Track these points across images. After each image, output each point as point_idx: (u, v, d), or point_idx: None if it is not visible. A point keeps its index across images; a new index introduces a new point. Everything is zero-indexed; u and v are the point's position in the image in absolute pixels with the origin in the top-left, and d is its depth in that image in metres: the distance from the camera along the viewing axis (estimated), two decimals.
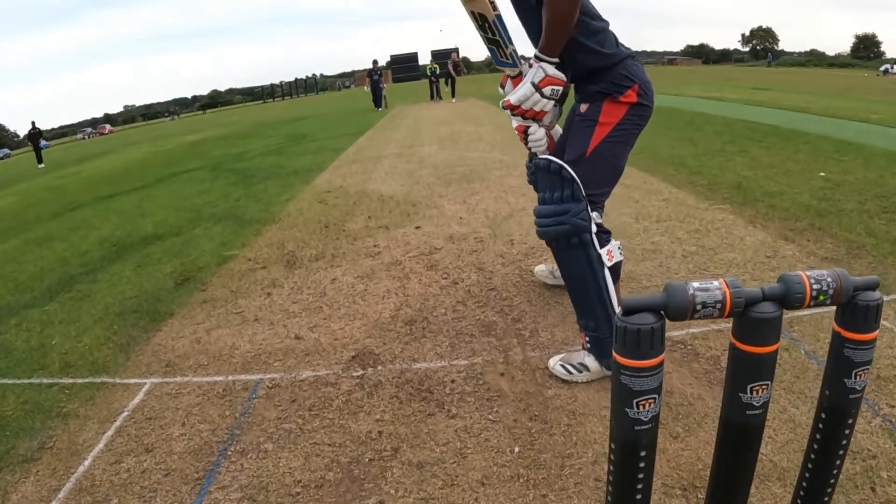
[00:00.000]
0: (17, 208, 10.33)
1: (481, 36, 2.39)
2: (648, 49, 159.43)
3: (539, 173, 2.21)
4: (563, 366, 2.31)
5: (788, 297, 0.86)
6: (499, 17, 2.28)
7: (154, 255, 4.83)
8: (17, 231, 7.47)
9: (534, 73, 2.04)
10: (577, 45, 2.09)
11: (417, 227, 4.55)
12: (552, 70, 2.03)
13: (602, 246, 2.17)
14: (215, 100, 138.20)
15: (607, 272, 2.17)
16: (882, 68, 26.85)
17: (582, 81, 2.24)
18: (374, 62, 23.40)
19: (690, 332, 2.56)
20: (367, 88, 23.42)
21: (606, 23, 2.19)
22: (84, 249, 5.51)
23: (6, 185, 17.14)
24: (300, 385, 2.48)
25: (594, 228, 2.14)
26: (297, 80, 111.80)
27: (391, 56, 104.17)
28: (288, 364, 2.67)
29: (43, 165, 22.63)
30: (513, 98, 2.08)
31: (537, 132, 2.25)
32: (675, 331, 2.58)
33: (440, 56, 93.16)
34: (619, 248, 2.32)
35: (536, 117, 2.15)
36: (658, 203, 4.68)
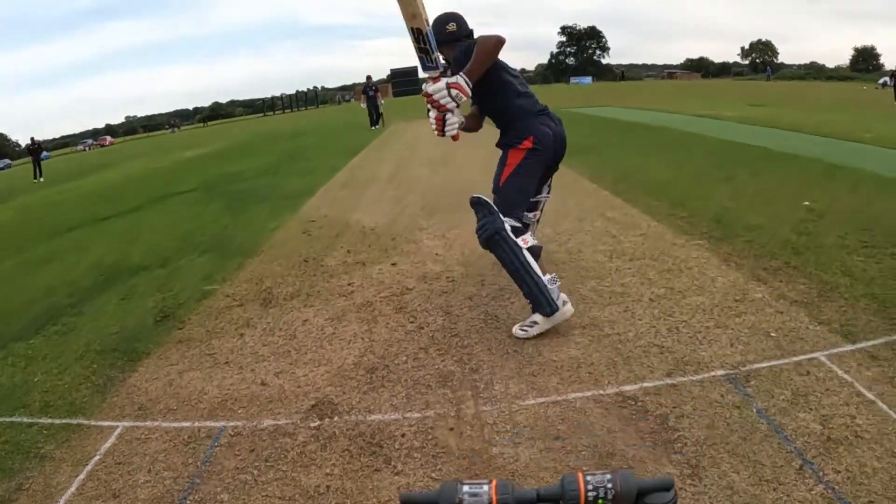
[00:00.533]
0: (15, 225, 10.53)
1: (415, 46, 3.01)
2: (649, 62, 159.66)
3: (472, 205, 3.18)
4: (520, 328, 3.21)
5: (564, 500, 0.81)
6: (430, 31, 2.95)
7: (139, 287, 4.95)
8: (13, 251, 7.63)
9: (451, 78, 2.94)
10: (498, 103, 3.33)
11: (393, 264, 4.64)
12: (463, 82, 2.92)
13: (517, 236, 3.10)
14: (216, 112, 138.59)
15: (527, 252, 3.09)
16: (881, 81, 26.87)
17: (501, 133, 3.38)
18: (368, 77, 22.84)
19: (643, 387, 2.63)
20: (363, 104, 22.78)
21: (526, 94, 3.33)
22: (73, 277, 5.64)
23: (7, 197, 17.33)
24: (260, 434, 2.58)
25: (508, 228, 3.07)
26: (297, 92, 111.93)
27: (391, 70, 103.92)
28: (251, 412, 2.76)
29: (42, 179, 22.81)
30: (429, 89, 2.98)
31: (452, 118, 3.08)
32: (627, 385, 2.65)
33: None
34: (531, 236, 3.34)
35: (441, 109, 3.00)
36: (635, 238, 4.76)
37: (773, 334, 2.95)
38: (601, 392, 2.60)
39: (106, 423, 2.84)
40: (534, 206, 3.69)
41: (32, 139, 24.65)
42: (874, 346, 2.80)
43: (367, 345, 3.28)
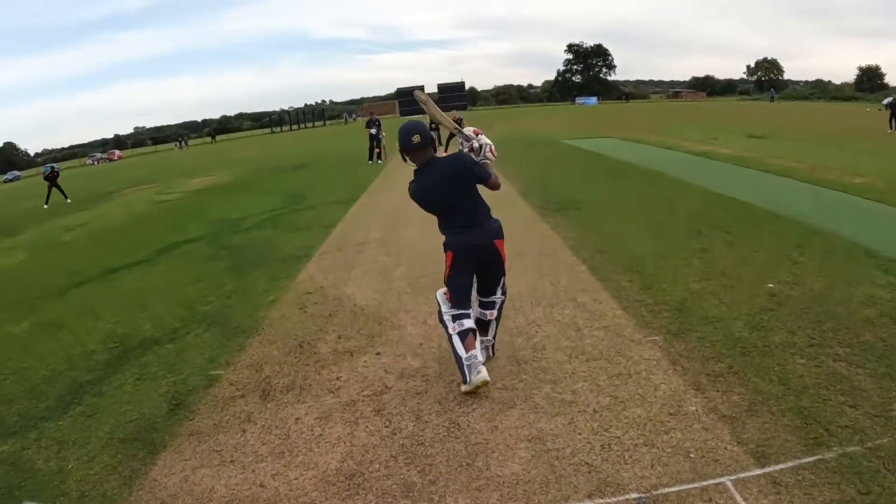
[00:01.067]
0: (26, 272, 11.09)
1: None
2: (656, 79, 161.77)
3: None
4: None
5: None
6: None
7: (151, 367, 5.51)
8: (28, 309, 8.19)
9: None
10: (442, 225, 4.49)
11: (378, 354, 5.24)
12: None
13: (453, 322, 4.36)
14: (224, 125, 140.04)
15: (455, 337, 4.32)
16: (885, 102, 27.24)
17: None
18: (371, 113, 23.78)
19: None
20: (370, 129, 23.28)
21: (445, 219, 4.44)
22: (90, 349, 6.21)
23: (15, 229, 17.92)
24: None
25: (448, 316, 4.40)
26: (305, 105, 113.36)
27: (397, 89, 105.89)
28: None
29: (69, 201, 23.83)
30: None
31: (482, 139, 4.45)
32: (633, 493, 3.19)
33: (447, 90, 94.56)
34: (468, 317, 4.41)
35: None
36: (596, 333, 5.20)
37: (692, 455, 3.41)
38: None
39: None
40: (489, 306, 4.66)
41: (52, 167, 25.25)
42: (780, 470, 3.20)
43: (348, 449, 3.86)
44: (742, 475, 3.22)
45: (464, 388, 4.33)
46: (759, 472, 3.22)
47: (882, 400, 3.81)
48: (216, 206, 16.31)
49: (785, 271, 6.39)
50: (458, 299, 4.41)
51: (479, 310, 4.67)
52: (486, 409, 4.13)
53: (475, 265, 4.43)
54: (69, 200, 24.05)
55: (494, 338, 4.87)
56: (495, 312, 4.67)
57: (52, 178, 24.45)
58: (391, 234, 9.99)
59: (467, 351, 4.23)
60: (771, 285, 5.98)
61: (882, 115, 27.85)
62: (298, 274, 8.07)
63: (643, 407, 4.01)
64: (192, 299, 7.46)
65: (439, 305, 4.52)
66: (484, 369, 4.20)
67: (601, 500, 3.17)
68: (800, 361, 4.42)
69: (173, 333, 6.32)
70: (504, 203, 11.36)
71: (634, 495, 3.17)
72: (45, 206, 23.27)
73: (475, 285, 4.58)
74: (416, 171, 4.40)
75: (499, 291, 4.62)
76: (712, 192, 11.43)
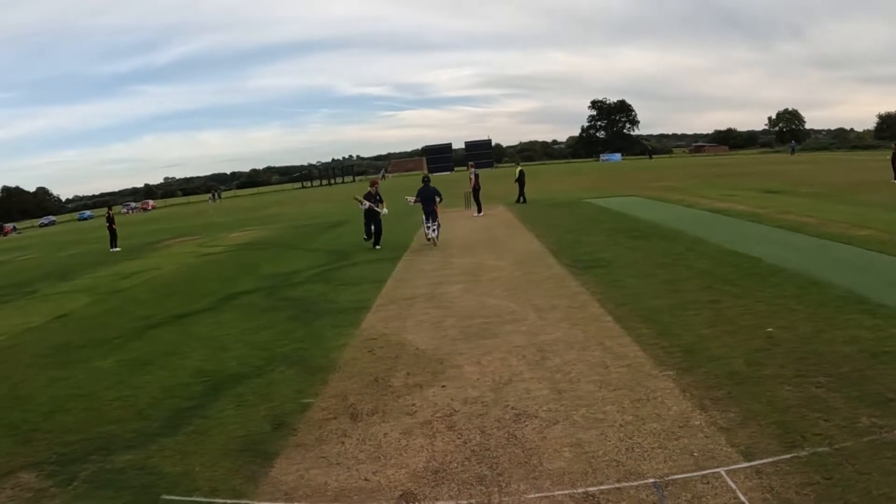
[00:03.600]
0: (98, 315, 12.36)
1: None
2: (679, 132, 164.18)
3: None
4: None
5: None
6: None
7: (247, 396, 6.58)
8: (110, 347, 9.39)
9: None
10: None
11: (443, 386, 6.31)
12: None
13: (424, 224, 16.39)
14: (254, 178, 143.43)
15: (423, 228, 16.23)
16: None
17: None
18: (374, 183, 18.47)
19: (601, 489, 4.24)
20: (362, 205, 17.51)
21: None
22: (184, 381, 7.30)
23: (69, 274, 19.62)
24: None
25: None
26: (333, 160, 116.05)
27: (424, 147, 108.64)
28: (361, 498, 4.41)
29: (118, 249, 25.68)
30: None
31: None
32: (592, 486, 4.29)
33: (474, 147, 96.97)
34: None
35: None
36: (621, 370, 6.26)
37: (695, 454, 4.47)
38: (573, 490, 4.21)
39: None
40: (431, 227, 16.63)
41: (110, 214, 27.76)
42: (763, 463, 4.23)
43: (430, 454, 4.92)
44: (733, 467, 4.26)
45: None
46: (746, 464, 4.24)
47: (851, 415, 4.82)
48: (263, 260, 17.66)
49: (782, 318, 7.42)
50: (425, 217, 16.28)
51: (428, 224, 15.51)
52: (535, 425, 5.20)
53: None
54: (118, 249, 25.86)
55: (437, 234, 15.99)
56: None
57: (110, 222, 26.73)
58: (435, 290, 11.11)
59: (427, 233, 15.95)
60: (770, 329, 7.01)
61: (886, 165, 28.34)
62: (361, 323, 9.21)
63: (658, 422, 5.08)
64: (267, 343, 8.60)
65: None
66: (430, 232, 15.20)
67: (626, 483, 4.21)
68: (786, 388, 5.45)
69: (259, 370, 7.41)
70: (536, 262, 12.69)
71: (651, 480, 4.22)
72: (116, 250, 25.73)
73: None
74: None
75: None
76: (725, 248, 12.50)
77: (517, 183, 28.10)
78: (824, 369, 5.77)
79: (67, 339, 10.25)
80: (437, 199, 17.02)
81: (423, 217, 16.93)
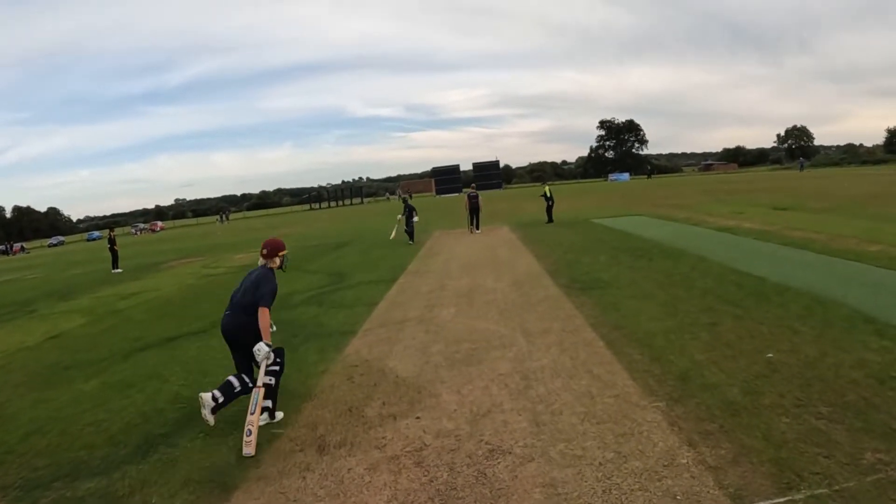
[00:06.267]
0: (91, 336, 12.15)
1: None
2: (688, 150, 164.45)
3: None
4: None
5: None
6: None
7: (217, 424, 6.26)
8: (96, 369, 9.23)
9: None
10: None
11: (417, 418, 5.98)
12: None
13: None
14: (264, 200, 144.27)
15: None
16: None
17: None
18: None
19: None
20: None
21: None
22: (160, 407, 7.08)
23: (69, 294, 19.46)
24: None
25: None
26: (343, 182, 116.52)
27: (433, 169, 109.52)
28: None
29: (120, 270, 25.64)
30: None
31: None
32: None
33: (481, 168, 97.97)
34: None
35: None
36: (607, 400, 5.88)
37: (678, 497, 4.10)
38: None
39: None
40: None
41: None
42: None
43: (392, 493, 4.59)
44: None
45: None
46: None
47: (854, 450, 4.44)
48: None
49: (784, 341, 7.02)
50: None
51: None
52: (508, 462, 4.84)
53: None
54: (120, 270, 25.77)
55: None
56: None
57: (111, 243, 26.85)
58: (428, 314, 10.76)
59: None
60: (770, 355, 6.60)
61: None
62: (346, 348, 8.91)
63: (641, 460, 4.69)
64: None
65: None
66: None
67: None
68: (784, 420, 5.06)
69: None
70: (534, 283, 12.32)
71: None
72: (118, 271, 25.79)
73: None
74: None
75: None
76: (729, 267, 12.09)
77: (544, 199, 28.33)
78: (827, 398, 5.39)
79: (57, 360, 10.17)
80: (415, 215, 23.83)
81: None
